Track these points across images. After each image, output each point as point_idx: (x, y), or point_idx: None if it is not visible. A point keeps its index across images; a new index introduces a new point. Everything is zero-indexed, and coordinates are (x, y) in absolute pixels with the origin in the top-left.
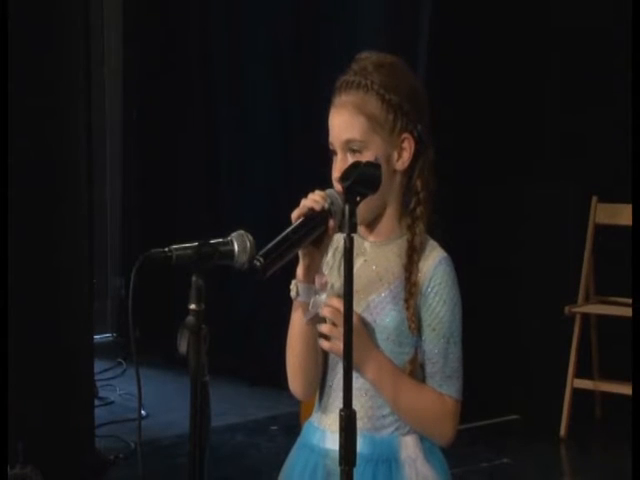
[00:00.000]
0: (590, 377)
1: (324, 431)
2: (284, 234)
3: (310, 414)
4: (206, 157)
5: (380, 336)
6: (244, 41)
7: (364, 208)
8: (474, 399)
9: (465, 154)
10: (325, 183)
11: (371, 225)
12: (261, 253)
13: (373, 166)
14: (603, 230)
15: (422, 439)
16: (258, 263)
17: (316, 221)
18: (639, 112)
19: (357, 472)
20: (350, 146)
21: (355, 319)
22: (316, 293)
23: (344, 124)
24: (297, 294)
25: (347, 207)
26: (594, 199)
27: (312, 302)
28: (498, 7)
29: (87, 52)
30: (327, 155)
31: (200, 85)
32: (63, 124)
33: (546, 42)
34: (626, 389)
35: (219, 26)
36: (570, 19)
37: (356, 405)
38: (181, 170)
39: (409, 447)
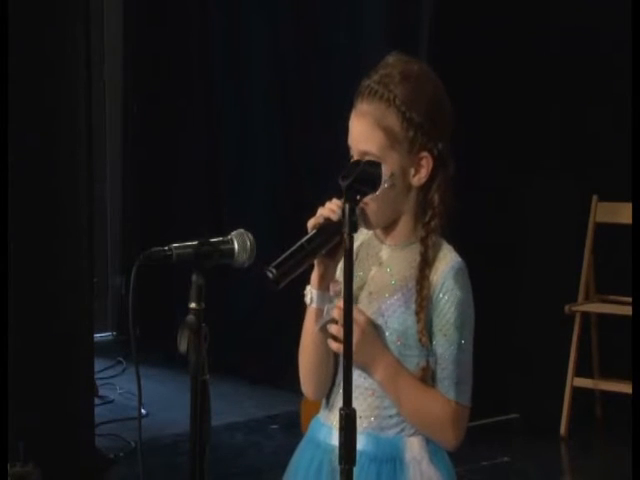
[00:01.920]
0: (590, 376)
1: (331, 427)
2: (299, 244)
3: (310, 413)
4: (206, 157)
5: (390, 338)
6: (244, 40)
7: (377, 216)
8: (474, 398)
9: (465, 154)
10: (325, 182)
11: (388, 229)
12: (274, 264)
13: (374, 165)
14: (603, 229)
15: (428, 441)
16: (271, 274)
17: (332, 231)
18: (639, 112)
19: (362, 470)
20: (366, 157)
21: (364, 321)
22: (330, 300)
23: (363, 135)
24: (311, 300)
25: (347, 206)
26: (594, 198)
27: (326, 309)
28: (498, 7)
29: (87, 52)
30: (327, 154)
31: (200, 84)
32: (63, 124)
33: (547, 42)
34: (626, 388)
35: (219, 25)
36: (572, 18)
37: (363, 404)
38: (181, 170)
39: (414, 448)
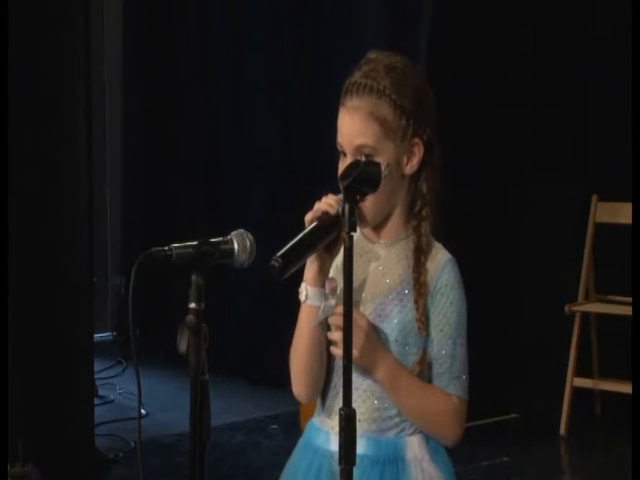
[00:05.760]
0: (590, 376)
1: (328, 433)
2: (301, 236)
3: (310, 414)
4: (206, 157)
5: (389, 338)
6: (244, 40)
7: (374, 211)
8: (474, 398)
9: (465, 154)
10: (325, 182)
11: (379, 227)
12: (279, 254)
13: (373, 164)
14: (603, 229)
15: (428, 439)
16: (277, 264)
17: (330, 225)
18: (639, 111)
19: (364, 473)
20: (362, 151)
21: (366, 324)
22: (326, 298)
23: (356, 129)
24: (306, 297)
25: (347, 206)
26: (594, 198)
27: (322, 307)
28: (498, 7)
29: (87, 52)
30: (327, 155)
31: (200, 84)
32: (63, 124)
33: (547, 41)
34: (626, 387)
35: (219, 25)
36: (571, 19)
37: (362, 407)
38: (181, 170)
39: (415, 447)
